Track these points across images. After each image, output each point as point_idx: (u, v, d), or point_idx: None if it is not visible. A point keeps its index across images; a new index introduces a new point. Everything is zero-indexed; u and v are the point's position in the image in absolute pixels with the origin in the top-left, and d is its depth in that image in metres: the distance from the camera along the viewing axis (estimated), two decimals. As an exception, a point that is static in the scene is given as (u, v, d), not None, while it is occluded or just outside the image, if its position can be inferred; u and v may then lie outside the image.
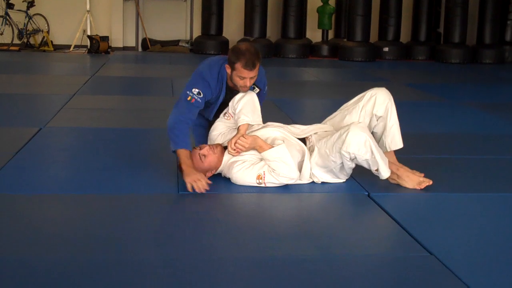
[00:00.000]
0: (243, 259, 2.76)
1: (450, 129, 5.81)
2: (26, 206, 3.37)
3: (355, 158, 3.60)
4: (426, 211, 3.49)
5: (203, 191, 3.59)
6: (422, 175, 3.85)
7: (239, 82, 3.87)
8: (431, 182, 3.78)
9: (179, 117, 3.83)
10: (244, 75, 3.82)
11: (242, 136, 3.77)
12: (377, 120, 3.89)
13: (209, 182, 3.64)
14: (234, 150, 3.75)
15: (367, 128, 3.71)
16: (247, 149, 3.76)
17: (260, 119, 3.97)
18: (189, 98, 3.84)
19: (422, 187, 3.76)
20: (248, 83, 3.86)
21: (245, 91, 3.94)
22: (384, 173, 3.68)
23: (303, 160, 3.77)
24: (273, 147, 3.71)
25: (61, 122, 5.51)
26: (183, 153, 3.74)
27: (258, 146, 3.73)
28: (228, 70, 3.87)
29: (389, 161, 3.75)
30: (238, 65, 3.79)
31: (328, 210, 3.52)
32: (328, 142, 3.69)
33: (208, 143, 4.01)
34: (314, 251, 2.87)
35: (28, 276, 2.52)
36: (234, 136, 3.81)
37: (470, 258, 2.83)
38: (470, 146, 5.12)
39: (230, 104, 3.98)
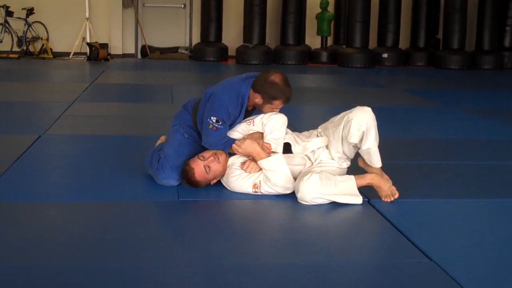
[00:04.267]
0: (242, 266, 2.75)
1: (448, 135, 5.81)
2: (26, 213, 3.37)
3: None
4: (426, 217, 3.49)
5: None
6: (390, 182, 3.77)
7: (270, 111, 3.89)
8: (397, 196, 3.67)
9: (216, 144, 3.82)
10: (279, 108, 3.88)
11: (241, 140, 3.78)
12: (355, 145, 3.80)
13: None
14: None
15: (324, 174, 3.61)
16: (241, 153, 3.77)
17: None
18: (210, 127, 3.78)
19: (388, 200, 3.66)
20: (278, 110, 3.91)
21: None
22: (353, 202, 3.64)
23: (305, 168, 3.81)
24: (270, 155, 3.72)
25: (60, 129, 5.51)
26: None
27: (256, 153, 3.74)
28: (259, 100, 3.82)
29: (358, 178, 3.67)
30: (278, 102, 3.82)
31: (328, 216, 3.52)
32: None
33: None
34: (313, 257, 2.87)
35: (27, 283, 2.51)
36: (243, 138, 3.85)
37: (470, 264, 2.83)
38: (468, 152, 5.12)
39: (261, 117, 3.92)
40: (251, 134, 3.86)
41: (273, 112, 3.91)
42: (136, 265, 2.71)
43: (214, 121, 3.77)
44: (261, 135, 3.86)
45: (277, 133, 3.85)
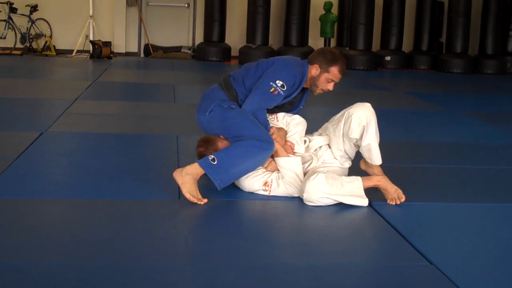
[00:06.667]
0: (244, 266, 2.75)
1: (450, 139, 5.80)
2: (27, 210, 3.37)
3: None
4: (427, 221, 3.48)
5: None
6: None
7: (326, 86, 3.81)
8: (403, 199, 3.66)
9: (255, 112, 3.67)
10: (336, 80, 3.80)
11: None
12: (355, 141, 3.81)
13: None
14: None
15: (329, 174, 3.60)
16: None
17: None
18: (272, 90, 3.63)
19: (394, 203, 3.64)
20: (332, 88, 3.84)
21: (318, 94, 3.87)
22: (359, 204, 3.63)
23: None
24: (288, 155, 3.74)
25: (62, 127, 5.51)
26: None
27: (277, 148, 3.75)
28: (315, 71, 3.76)
29: (365, 180, 3.66)
30: (334, 69, 3.76)
31: (329, 218, 3.51)
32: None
33: None
34: (314, 259, 2.87)
35: (26, 280, 2.51)
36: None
37: (472, 269, 2.82)
38: (469, 156, 5.12)
39: (283, 115, 3.92)
40: (277, 128, 3.84)
41: (295, 116, 3.92)
42: (135, 264, 2.71)
43: (280, 85, 3.64)
44: (285, 133, 3.87)
45: (299, 134, 3.90)
